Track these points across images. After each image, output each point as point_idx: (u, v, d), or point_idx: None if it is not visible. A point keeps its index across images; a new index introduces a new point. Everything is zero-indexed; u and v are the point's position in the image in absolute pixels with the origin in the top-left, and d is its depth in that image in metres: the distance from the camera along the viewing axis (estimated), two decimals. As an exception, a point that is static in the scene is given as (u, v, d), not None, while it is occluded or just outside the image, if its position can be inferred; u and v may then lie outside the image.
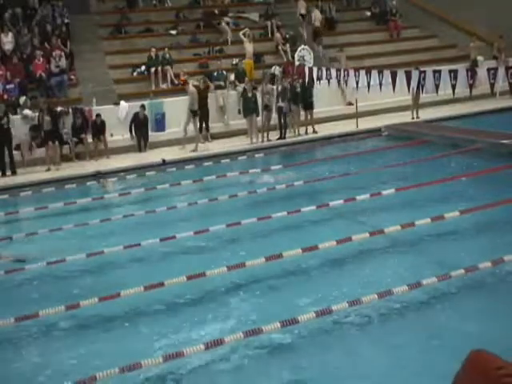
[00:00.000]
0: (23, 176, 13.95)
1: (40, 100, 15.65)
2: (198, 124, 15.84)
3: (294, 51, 18.77)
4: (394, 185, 10.26)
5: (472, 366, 1.76)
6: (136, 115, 15.70)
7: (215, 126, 16.90)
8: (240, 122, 16.64)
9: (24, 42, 17.59)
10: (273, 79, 17.00)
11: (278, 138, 16.10)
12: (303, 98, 16.25)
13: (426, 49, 21.63)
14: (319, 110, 17.06)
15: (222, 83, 17.34)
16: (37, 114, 15.06)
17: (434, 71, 11.97)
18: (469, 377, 1.75)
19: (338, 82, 14.58)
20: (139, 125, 15.74)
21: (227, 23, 20.45)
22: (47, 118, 14.67)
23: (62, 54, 17.13)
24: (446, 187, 10.22)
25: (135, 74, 18.46)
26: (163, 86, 17.99)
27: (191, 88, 15.80)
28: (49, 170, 14.23)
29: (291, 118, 16.35)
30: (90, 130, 15.41)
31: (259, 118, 16.03)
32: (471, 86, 11.87)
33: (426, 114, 17.30)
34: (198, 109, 15.65)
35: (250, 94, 15.84)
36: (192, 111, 15.59)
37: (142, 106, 15.76)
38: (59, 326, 6.26)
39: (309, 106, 16.40)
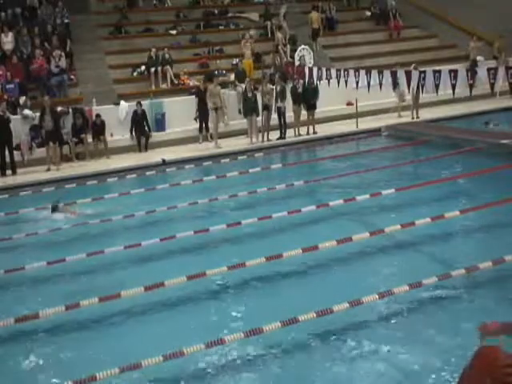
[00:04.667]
0: (23, 176, 13.96)
1: (44, 99, 15.17)
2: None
3: (293, 51, 18.79)
4: (394, 185, 10.26)
5: (480, 361, 1.76)
6: (135, 112, 15.75)
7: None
8: (240, 122, 16.64)
9: (24, 42, 17.59)
10: (272, 79, 17.01)
11: (278, 138, 16.10)
12: (305, 99, 16.25)
13: (426, 49, 21.64)
14: (319, 110, 17.05)
15: (225, 78, 17.53)
16: (37, 114, 15.02)
17: (434, 71, 11.96)
18: (475, 371, 1.74)
19: (338, 81, 14.55)
20: (139, 122, 15.76)
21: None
22: (49, 118, 14.59)
23: (62, 53, 17.12)
24: (446, 187, 10.23)
25: (135, 74, 18.46)
26: (163, 86, 18.00)
27: (211, 86, 15.98)
28: (49, 169, 14.22)
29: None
30: (89, 130, 15.41)
31: (259, 118, 16.04)
32: (471, 86, 11.87)
33: (426, 114, 17.31)
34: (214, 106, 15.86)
35: (250, 94, 15.85)
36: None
37: (139, 103, 15.82)
38: (59, 326, 6.26)
39: (311, 107, 16.40)
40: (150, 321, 6.30)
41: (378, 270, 7.17)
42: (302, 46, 18.59)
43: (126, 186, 12.31)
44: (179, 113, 16.41)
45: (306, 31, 20.92)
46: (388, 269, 7.27)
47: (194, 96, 16.59)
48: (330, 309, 5.64)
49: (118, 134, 16.02)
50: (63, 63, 16.98)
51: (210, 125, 16.16)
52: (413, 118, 17.21)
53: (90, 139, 15.34)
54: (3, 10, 18.40)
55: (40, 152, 14.84)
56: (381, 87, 13.33)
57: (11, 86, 15.91)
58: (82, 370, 5.12)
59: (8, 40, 17.25)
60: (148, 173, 13.27)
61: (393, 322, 5.86)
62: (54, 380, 5.28)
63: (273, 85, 16.46)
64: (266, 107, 15.96)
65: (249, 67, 18.15)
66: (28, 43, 17.60)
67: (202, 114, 16.26)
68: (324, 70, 15.20)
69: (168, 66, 18.02)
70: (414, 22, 23.32)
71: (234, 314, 6.34)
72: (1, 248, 9.07)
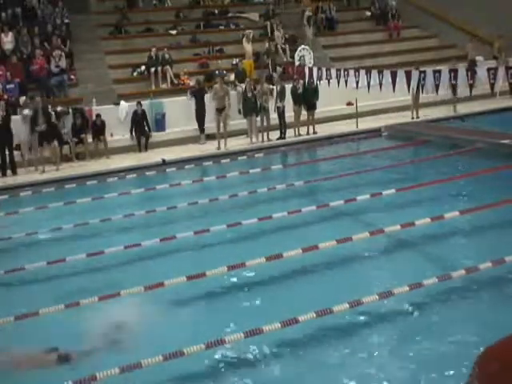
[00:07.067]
0: (23, 176, 13.96)
1: (36, 100, 14.86)
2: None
3: (293, 51, 18.78)
4: (394, 185, 10.26)
5: (494, 359, 1.67)
6: (135, 112, 15.75)
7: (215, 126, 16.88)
8: (240, 122, 16.64)
9: (24, 42, 17.58)
10: (271, 79, 17.01)
11: (278, 138, 16.10)
12: (305, 99, 16.24)
13: (426, 49, 21.65)
14: (319, 110, 17.05)
15: (225, 78, 17.49)
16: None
17: (434, 71, 11.95)
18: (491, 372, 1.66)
19: (338, 81, 14.54)
20: (139, 121, 15.75)
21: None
22: (42, 119, 14.29)
23: (62, 53, 17.12)
24: (446, 187, 10.22)
25: (135, 74, 18.46)
26: (163, 86, 18.00)
27: (216, 86, 15.93)
28: (43, 171, 13.92)
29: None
30: (89, 130, 15.41)
31: (259, 118, 16.03)
32: (471, 86, 11.86)
33: (426, 114, 17.29)
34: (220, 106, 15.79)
35: (250, 94, 15.84)
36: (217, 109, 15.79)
37: (139, 103, 15.80)
38: (59, 326, 6.26)
39: (311, 107, 16.39)
40: (150, 321, 6.29)
41: (378, 271, 7.17)
42: (302, 46, 18.58)
43: (126, 185, 12.31)
44: (179, 113, 16.40)
45: (306, 31, 20.92)
46: (388, 269, 7.28)
47: (192, 96, 16.49)
48: (329, 309, 5.64)
49: (118, 133, 16.01)
50: (63, 63, 16.98)
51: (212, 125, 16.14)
52: (413, 118, 17.21)
53: (90, 139, 15.33)
54: (3, 10, 18.39)
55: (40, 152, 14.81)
56: (381, 87, 13.30)
57: (11, 85, 15.90)
58: (81, 370, 5.12)
59: (8, 40, 17.25)
60: (148, 173, 13.27)
61: (392, 323, 5.85)
62: (54, 380, 5.28)
63: (272, 85, 16.46)
64: (263, 108, 15.89)
65: (249, 67, 18.15)
66: (28, 43, 17.59)
67: (200, 114, 16.22)
68: (324, 69, 15.19)
69: (168, 66, 18.02)
70: (414, 22, 23.33)
71: (233, 314, 6.34)
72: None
